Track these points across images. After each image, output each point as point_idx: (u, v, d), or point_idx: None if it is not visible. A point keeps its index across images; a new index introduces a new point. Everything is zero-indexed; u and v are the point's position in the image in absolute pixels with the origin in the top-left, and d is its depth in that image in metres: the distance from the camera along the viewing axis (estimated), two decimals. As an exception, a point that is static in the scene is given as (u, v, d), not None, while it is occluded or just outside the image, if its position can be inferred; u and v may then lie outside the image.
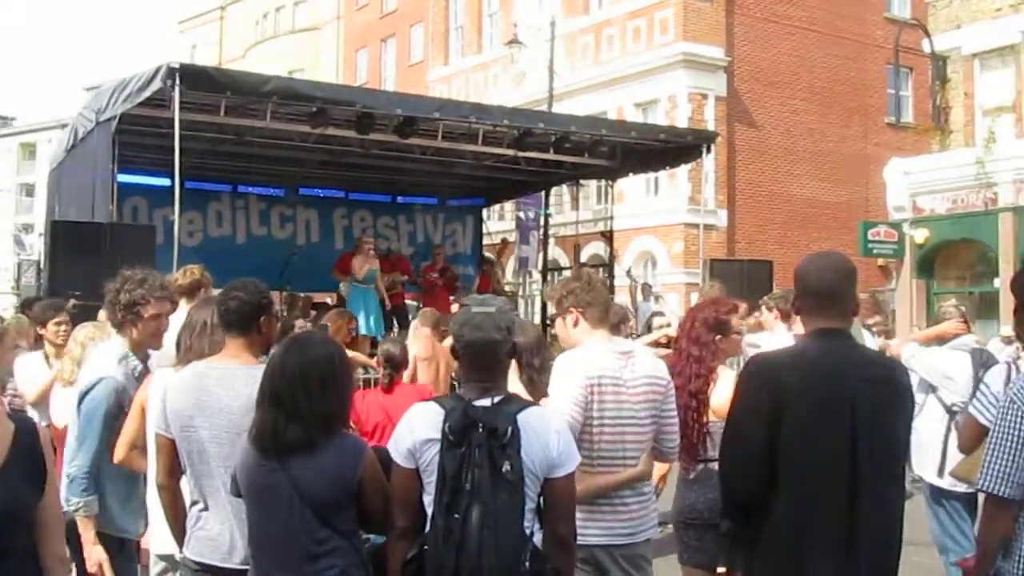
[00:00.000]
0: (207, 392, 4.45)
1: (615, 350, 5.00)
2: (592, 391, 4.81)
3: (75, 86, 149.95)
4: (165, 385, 4.68)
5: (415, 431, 3.91)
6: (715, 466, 4.91)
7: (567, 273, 27.41)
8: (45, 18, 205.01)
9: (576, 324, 5.07)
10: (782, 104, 32.11)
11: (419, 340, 9.94)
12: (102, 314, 6.80)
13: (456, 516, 3.70)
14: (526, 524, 3.78)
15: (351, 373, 4.32)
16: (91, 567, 5.31)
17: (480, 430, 3.75)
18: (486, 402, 3.86)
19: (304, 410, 3.95)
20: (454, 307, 15.57)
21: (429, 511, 3.82)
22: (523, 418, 3.81)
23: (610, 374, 4.88)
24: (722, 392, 5.41)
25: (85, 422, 5.38)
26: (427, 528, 3.81)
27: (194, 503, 4.54)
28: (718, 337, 5.80)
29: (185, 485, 4.66)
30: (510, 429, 3.75)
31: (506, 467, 3.71)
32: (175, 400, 4.53)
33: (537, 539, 3.86)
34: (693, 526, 5.47)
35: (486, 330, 3.96)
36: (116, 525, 5.43)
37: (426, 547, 3.79)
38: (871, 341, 9.55)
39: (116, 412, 5.36)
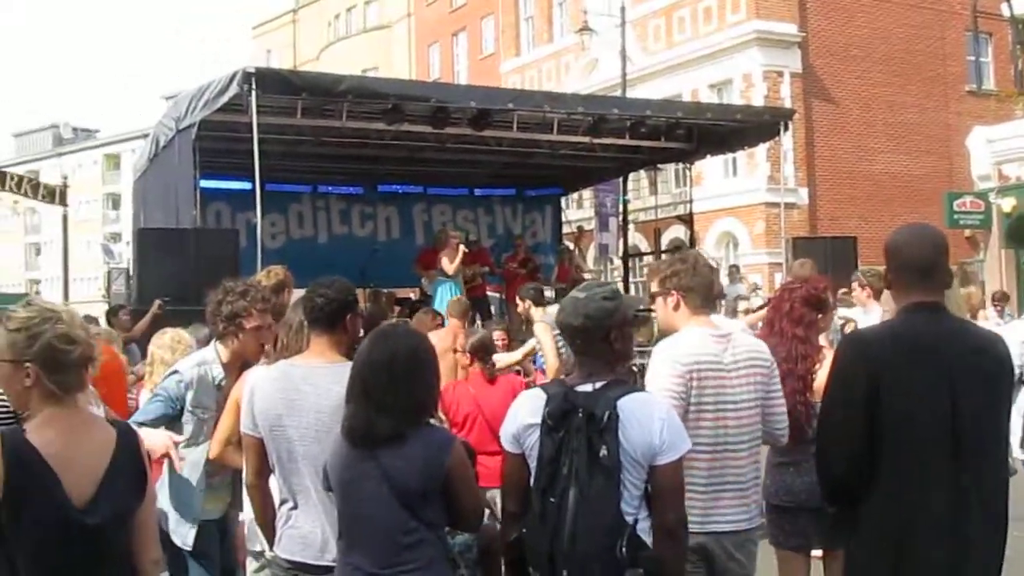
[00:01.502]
0: (296, 391, 4.48)
1: (714, 334, 4.85)
2: (690, 378, 4.68)
3: (155, 96, 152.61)
4: (252, 385, 4.72)
5: (519, 417, 3.96)
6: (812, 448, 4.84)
7: (648, 259, 27.40)
8: (124, 31, 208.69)
9: (677, 307, 4.93)
10: (859, 77, 31.59)
11: (443, 330, 10.07)
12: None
13: (552, 500, 3.73)
14: (630, 511, 3.77)
15: (437, 364, 4.32)
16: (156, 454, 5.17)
17: (580, 415, 3.77)
18: (588, 387, 3.87)
19: (392, 402, 3.97)
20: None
21: None
22: (624, 403, 3.80)
23: (709, 359, 4.73)
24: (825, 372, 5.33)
25: (150, 398, 5.59)
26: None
27: (283, 502, 4.57)
28: (819, 315, 5.70)
29: (274, 484, 4.69)
30: (608, 414, 3.75)
31: (603, 452, 3.71)
32: (263, 400, 4.57)
33: (646, 527, 3.83)
34: (789, 509, 5.36)
35: (566, 314, 4.03)
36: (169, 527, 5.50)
37: (525, 530, 3.82)
38: None
39: (174, 404, 5.45)
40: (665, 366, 4.72)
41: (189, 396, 5.47)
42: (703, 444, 4.70)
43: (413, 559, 3.95)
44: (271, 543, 4.71)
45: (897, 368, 3.69)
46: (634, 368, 8.41)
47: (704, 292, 4.96)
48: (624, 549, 3.70)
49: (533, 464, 3.85)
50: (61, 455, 3.29)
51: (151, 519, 3.60)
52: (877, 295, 8.67)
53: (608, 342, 3.97)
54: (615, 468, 3.72)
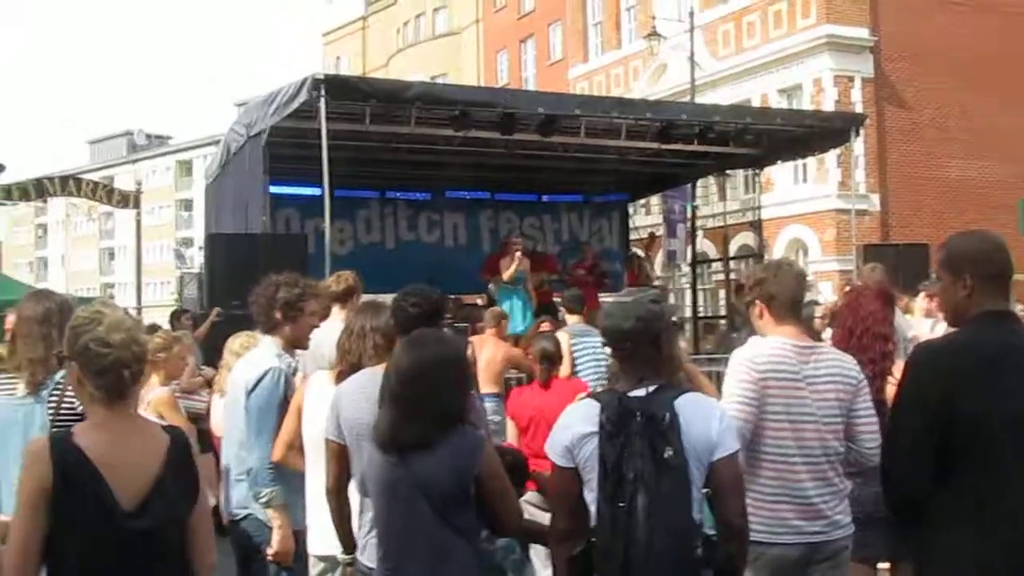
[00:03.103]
0: None
1: (796, 344, 4.80)
2: (764, 385, 4.65)
3: (226, 102, 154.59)
4: (338, 392, 4.76)
5: (571, 427, 3.90)
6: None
7: (716, 265, 27.22)
8: (195, 39, 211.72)
9: (761, 316, 4.91)
10: (933, 82, 31.05)
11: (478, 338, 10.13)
12: None
13: (621, 505, 3.67)
14: (695, 513, 3.74)
15: (468, 371, 4.33)
16: (284, 550, 5.44)
17: (638, 418, 3.72)
18: (641, 392, 3.83)
19: (419, 409, 4.00)
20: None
21: (592, 508, 3.79)
22: (681, 403, 3.77)
23: (783, 369, 4.69)
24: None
25: (259, 414, 5.48)
26: (592, 522, 3.79)
27: (364, 510, 4.56)
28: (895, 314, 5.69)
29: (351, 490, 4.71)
30: (668, 415, 3.71)
31: (668, 452, 3.66)
32: (350, 408, 4.61)
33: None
34: (856, 520, 5.27)
35: (615, 318, 3.96)
36: (295, 518, 5.53)
37: (593, 540, 3.77)
38: None
39: (284, 402, 5.49)
40: (740, 370, 4.71)
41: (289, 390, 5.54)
42: (772, 453, 4.67)
43: (448, 566, 3.96)
44: (347, 548, 4.75)
45: (972, 378, 3.61)
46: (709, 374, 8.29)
47: (788, 301, 4.88)
48: (700, 549, 3.69)
49: (589, 476, 3.80)
50: (107, 458, 3.34)
51: (205, 524, 3.63)
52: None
53: (657, 346, 3.93)
54: (682, 468, 3.68)
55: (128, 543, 3.33)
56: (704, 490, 3.82)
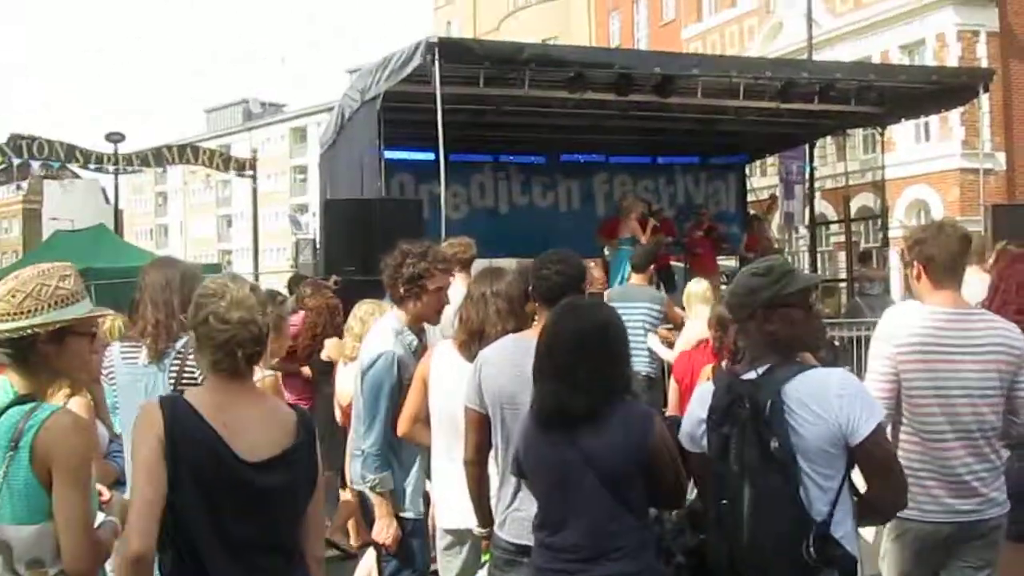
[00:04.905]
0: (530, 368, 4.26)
1: (950, 312, 4.54)
2: (900, 360, 4.42)
3: (338, 70, 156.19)
4: (480, 360, 4.62)
5: (692, 412, 3.71)
6: None
7: (835, 227, 26.62)
8: (306, 8, 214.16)
9: (918, 278, 4.66)
10: (1062, 36, 29.98)
11: None
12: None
13: (724, 502, 3.45)
14: (821, 507, 3.45)
15: (626, 337, 4.11)
16: (382, 539, 5.39)
17: (745, 406, 3.48)
18: (752, 374, 3.57)
19: (585, 380, 3.76)
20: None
21: None
22: (792, 388, 3.47)
23: (931, 341, 4.45)
24: None
25: (372, 399, 5.41)
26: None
27: (503, 483, 4.44)
28: None
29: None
30: (771, 403, 3.44)
31: (774, 444, 3.40)
32: (495, 376, 4.47)
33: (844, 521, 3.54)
34: (1011, 496, 4.96)
35: (728, 291, 3.79)
36: (403, 505, 5.46)
37: (702, 536, 3.60)
38: None
39: (398, 387, 5.37)
40: (877, 344, 4.51)
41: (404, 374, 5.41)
42: (924, 431, 4.45)
43: (619, 546, 3.73)
44: (484, 522, 4.65)
45: None
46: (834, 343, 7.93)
47: (948, 264, 4.61)
48: (812, 548, 3.40)
49: None
50: (220, 416, 3.28)
51: (319, 515, 3.55)
52: None
53: (757, 323, 3.63)
54: (789, 461, 3.41)
55: (247, 496, 3.25)
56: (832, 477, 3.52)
